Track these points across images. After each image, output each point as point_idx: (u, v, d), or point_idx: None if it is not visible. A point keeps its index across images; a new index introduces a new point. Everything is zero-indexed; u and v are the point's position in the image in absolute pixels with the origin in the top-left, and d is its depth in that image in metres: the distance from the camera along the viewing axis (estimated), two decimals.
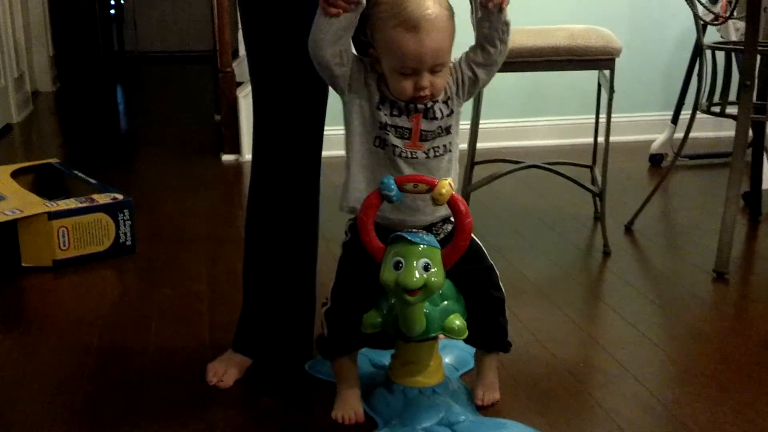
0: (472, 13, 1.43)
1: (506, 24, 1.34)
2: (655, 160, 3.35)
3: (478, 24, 1.35)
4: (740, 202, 2.33)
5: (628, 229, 2.55)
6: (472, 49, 1.38)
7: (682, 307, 2.01)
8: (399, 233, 1.31)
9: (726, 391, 1.59)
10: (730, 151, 2.20)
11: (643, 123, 3.69)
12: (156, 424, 1.49)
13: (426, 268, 1.28)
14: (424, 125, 1.35)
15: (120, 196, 2.41)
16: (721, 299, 2.08)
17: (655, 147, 3.35)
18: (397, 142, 1.35)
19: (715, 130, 3.45)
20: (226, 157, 3.54)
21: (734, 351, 1.76)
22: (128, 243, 2.39)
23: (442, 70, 1.32)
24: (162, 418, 1.51)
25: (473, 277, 1.44)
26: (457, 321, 1.40)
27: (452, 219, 1.38)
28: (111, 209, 2.36)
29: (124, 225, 2.38)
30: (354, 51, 1.36)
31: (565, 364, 1.70)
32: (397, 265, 1.28)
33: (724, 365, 1.69)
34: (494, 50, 1.35)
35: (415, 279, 1.27)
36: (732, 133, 2.21)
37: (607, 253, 2.33)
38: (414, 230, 1.32)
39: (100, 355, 1.76)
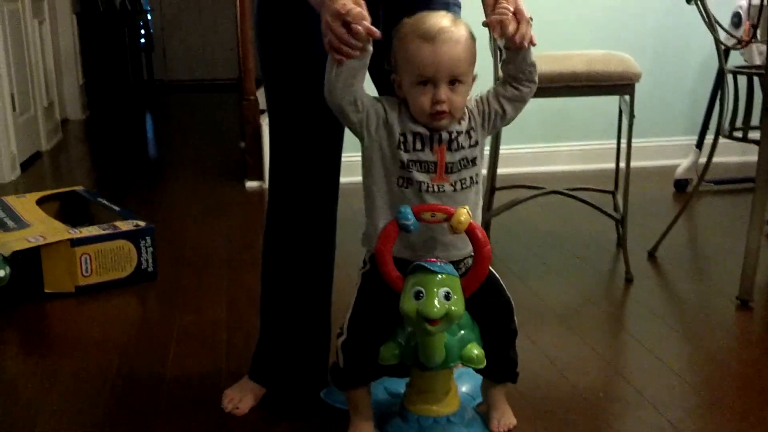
0: (490, 40, 1.43)
1: (532, 65, 1.37)
2: (680, 185, 3.31)
3: (504, 66, 1.38)
4: (765, 228, 2.29)
5: (651, 255, 2.52)
6: (501, 84, 1.40)
7: (705, 335, 1.98)
8: (418, 263, 1.30)
9: (748, 421, 1.56)
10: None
11: (668, 148, 3.66)
12: None
13: (447, 297, 1.28)
14: (449, 157, 1.35)
15: (142, 224, 2.44)
16: (745, 327, 2.05)
17: (679, 172, 3.32)
18: (422, 177, 1.35)
19: (741, 154, 3.41)
20: (250, 184, 3.57)
21: (758, 380, 1.72)
22: (150, 269, 2.41)
23: (461, 86, 1.32)
24: None
25: (491, 311, 1.43)
26: (476, 350, 1.39)
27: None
28: (133, 236, 2.38)
29: (146, 252, 2.40)
30: (366, 97, 1.36)
31: (584, 392, 1.68)
32: (418, 295, 1.28)
33: (748, 395, 1.66)
34: (523, 88, 1.38)
35: (436, 309, 1.26)
36: None
37: (629, 280, 2.31)
38: (432, 259, 1.31)
39: (118, 381, 1.77)
